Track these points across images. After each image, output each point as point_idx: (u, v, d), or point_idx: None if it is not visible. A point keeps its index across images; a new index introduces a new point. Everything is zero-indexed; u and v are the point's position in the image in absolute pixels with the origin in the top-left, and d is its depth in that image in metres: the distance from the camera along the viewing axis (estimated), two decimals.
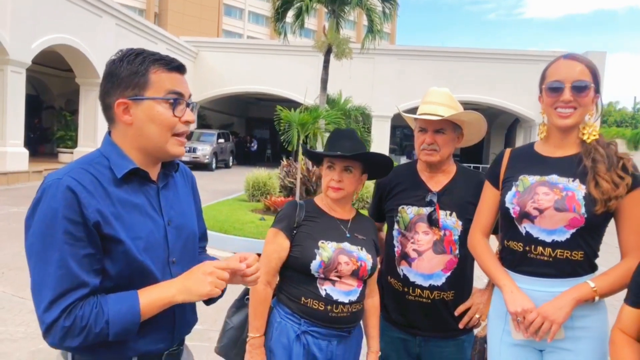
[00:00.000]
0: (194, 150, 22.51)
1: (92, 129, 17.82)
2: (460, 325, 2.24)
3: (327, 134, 11.55)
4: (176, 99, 1.41)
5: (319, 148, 13.09)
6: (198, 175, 14.95)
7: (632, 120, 46.06)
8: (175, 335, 1.51)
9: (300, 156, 10.47)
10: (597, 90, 1.88)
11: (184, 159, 22.37)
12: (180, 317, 1.51)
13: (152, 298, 1.33)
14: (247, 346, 2.09)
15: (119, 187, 1.37)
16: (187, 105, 1.44)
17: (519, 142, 28.68)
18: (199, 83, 26.22)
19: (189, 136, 18.76)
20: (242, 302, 2.19)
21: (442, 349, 2.27)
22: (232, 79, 26.61)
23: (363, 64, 22.19)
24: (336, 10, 13.05)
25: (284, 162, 12.24)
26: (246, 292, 2.17)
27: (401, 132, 34.44)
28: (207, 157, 22.60)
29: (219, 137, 24.41)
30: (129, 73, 1.38)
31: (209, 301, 1.59)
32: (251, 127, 37.19)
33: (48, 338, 1.27)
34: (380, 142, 22.37)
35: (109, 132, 1.46)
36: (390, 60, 25.53)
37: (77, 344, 1.27)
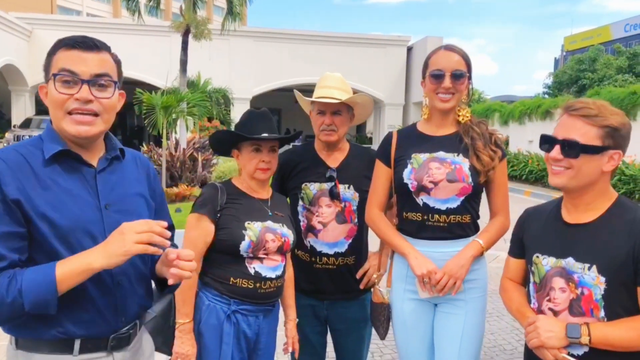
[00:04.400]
0: None
1: None
2: (361, 286, 2.49)
3: (191, 118, 11.34)
4: (56, 74, 1.39)
5: (182, 131, 12.75)
6: None
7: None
8: (119, 317, 1.49)
9: (165, 141, 10.15)
10: (470, 77, 2.22)
11: None
12: (122, 298, 1.50)
13: (68, 267, 1.30)
14: (176, 332, 2.09)
15: (48, 167, 1.40)
16: (86, 82, 1.41)
17: (370, 122, 30.52)
18: (35, 64, 23.58)
19: (27, 124, 16.94)
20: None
21: (347, 309, 2.52)
22: None
23: (220, 46, 21.84)
24: None
25: (144, 147, 11.75)
26: None
27: None
28: None
29: None
30: (45, 58, 1.44)
31: (167, 287, 1.62)
32: None
33: None
34: None
35: None
36: (245, 42, 25.39)
37: None
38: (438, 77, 2.15)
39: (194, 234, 2.12)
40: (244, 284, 2.12)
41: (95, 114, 1.42)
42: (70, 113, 1.40)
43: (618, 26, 38.44)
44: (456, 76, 2.14)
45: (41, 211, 1.33)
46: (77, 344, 1.41)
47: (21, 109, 24.35)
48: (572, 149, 1.61)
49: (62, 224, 1.36)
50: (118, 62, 1.52)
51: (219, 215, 2.14)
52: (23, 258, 1.33)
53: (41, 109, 25.97)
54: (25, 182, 1.34)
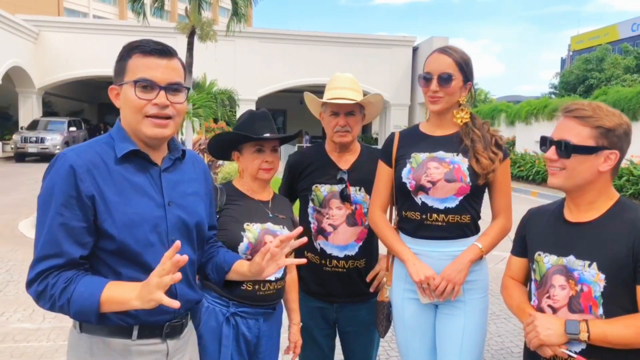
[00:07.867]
0: (42, 140, 20.49)
1: None
2: (371, 289, 2.47)
3: (196, 119, 11.34)
4: (136, 81, 1.47)
5: (188, 133, 12.76)
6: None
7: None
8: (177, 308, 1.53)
9: None
10: (467, 79, 2.16)
11: (31, 150, 20.36)
12: (181, 290, 1.56)
13: (113, 294, 1.36)
14: None
15: (120, 165, 1.49)
16: (163, 88, 1.49)
17: (375, 123, 30.44)
18: (42, 66, 23.84)
19: (34, 125, 17.23)
20: None
21: (356, 312, 2.49)
22: (81, 62, 24.55)
23: (225, 47, 21.85)
24: None
25: None
26: None
27: None
28: (58, 147, 20.48)
29: (70, 125, 22.41)
30: (118, 61, 1.52)
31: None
32: (103, 114, 34.59)
33: (28, 291, 1.41)
34: None
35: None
36: (251, 43, 25.46)
37: (46, 308, 1.40)
38: (426, 79, 2.15)
39: None
40: (243, 286, 2.08)
41: (169, 117, 1.52)
42: (147, 116, 1.49)
43: (625, 25, 38.22)
44: (443, 79, 2.12)
45: (114, 206, 1.43)
46: (135, 330, 1.49)
47: (28, 111, 24.46)
48: (565, 149, 1.64)
49: (132, 219, 1.45)
50: (184, 67, 1.60)
51: (218, 216, 2.13)
52: (84, 254, 1.42)
53: (48, 110, 26.15)
54: (100, 178, 1.43)
